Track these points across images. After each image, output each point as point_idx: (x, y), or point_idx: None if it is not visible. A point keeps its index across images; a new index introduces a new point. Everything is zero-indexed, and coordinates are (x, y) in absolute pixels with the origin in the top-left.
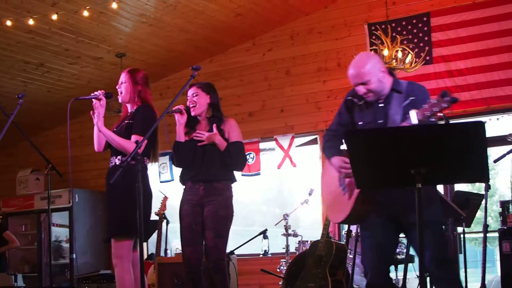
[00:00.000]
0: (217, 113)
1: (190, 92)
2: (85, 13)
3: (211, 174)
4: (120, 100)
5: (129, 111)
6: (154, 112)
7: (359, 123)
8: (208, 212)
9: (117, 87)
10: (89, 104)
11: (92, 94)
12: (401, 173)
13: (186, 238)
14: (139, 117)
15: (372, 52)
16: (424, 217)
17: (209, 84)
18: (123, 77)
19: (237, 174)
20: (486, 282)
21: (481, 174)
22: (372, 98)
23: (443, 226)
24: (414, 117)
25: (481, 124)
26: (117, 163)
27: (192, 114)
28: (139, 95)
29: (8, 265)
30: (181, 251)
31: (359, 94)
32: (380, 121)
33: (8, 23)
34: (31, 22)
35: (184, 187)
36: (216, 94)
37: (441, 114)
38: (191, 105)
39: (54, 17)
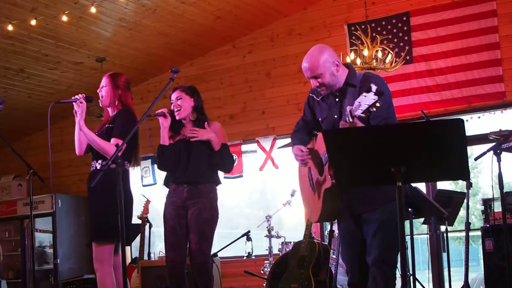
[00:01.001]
0: (201, 116)
1: (174, 96)
2: (64, 18)
3: (195, 175)
4: (101, 104)
5: (110, 115)
6: (135, 116)
7: (319, 119)
8: (192, 214)
9: (98, 91)
10: (70, 110)
11: (72, 98)
12: (380, 171)
13: (170, 242)
14: (119, 121)
15: (326, 45)
16: (380, 215)
17: (192, 87)
18: (104, 81)
19: (219, 176)
20: (469, 281)
21: (461, 171)
22: (325, 92)
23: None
24: (348, 114)
25: (460, 122)
26: (98, 167)
27: (177, 117)
28: (119, 99)
29: None
30: (164, 255)
31: (313, 88)
32: (336, 116)
33: None
34: (10, 27)
35: (168, 190)
36: (200, 97)
37: (373, 109)
38: (175, 109)
39: (33, 22)
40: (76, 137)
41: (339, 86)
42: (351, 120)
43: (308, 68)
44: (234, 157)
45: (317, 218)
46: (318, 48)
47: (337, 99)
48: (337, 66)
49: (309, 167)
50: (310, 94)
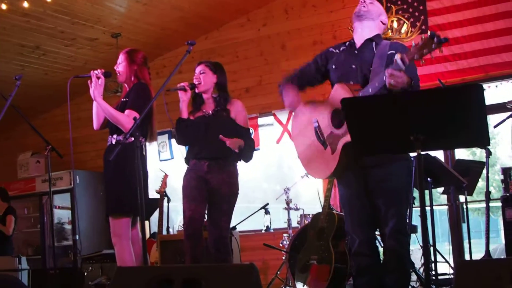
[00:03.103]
0: (223, 94)
1: (198, 69)
2: None
3: (215, 151)
4: (118, 80)
5: (127, 90)
6: (149, 90)
7: (333, 66)
8: (212, 188)
9: (115, 67)
10: (86, 86)
11: (91, 73)
12: (400, 139)
13: (192, 196)
14: (133, 94)
15: None
16: (392, 182)
17: (217, 63)
18: (121, 57)
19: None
20: (490, 250)
21: (481, 137)
22: (362, 11)
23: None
24: (399, 61)
25: (479, 87)
26: (113, 142)
27: (196, 90)
28: (135, 75)
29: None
30: (182, 228)
31: (359, 4)
32: (353, 66)
33: (3, 6)
34: (25, 4)
35: (187, 166)
36: (224, 75)
37: (430, 56)
38: (196, 82)
39: None
40: (94, 111)
41: (364, 38)
42: (403, 67)
43: None
44: (251, 131)
45: (328, 174)
46: None
47: (356, 51)
48: (382, 23)
49: (315, 120)
50: (330, 49)
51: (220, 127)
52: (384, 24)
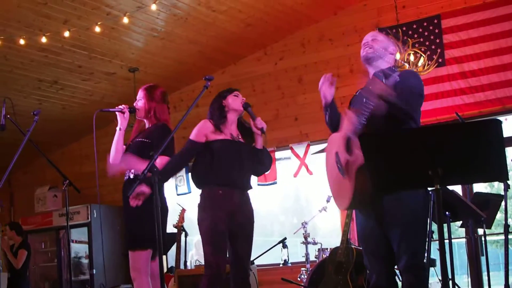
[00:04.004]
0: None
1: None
2: (97, 29)
3: (245, 181)
4: (137, 116)
5: (146, 127)
6: (169, 130)
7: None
8: (242, 220)
9: (134, 104)
10: (103, 120)
11: (116, 107)
12: (418, 174)
13: (221, 246)
14: (156, 138)
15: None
16: (403, 216)
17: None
18: (140, 93)
19: (253, 183)
20: (509, 283)
21: (499, 173)
22: (369, 54)
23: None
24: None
25: (498, 122)
26: (131, 177)
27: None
28: (154, 111)
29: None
30: (200, 263)
31: (363, 47)
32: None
33: (21, 41)
34: (43, 40)
35: (208, 192)
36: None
37: None
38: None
39: (66, 34)
40: (113, 147)
41: (380, 65)
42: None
43: (371, 33)
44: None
45: (347, 204)
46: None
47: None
48: (391, 54)
49: (336, 152)
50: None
51: (249, 154)
52: (392, 54)
